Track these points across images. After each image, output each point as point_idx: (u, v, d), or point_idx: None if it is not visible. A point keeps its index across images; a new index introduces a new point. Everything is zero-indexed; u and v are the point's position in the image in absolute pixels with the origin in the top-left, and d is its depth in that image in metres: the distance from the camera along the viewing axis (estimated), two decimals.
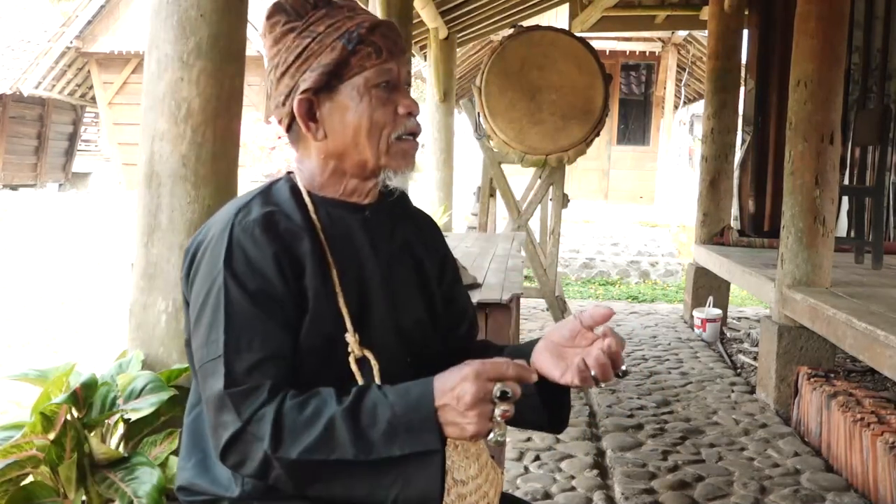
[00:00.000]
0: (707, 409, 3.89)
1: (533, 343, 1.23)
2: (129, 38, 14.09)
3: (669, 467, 3.10)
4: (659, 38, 12.94)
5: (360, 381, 1.17)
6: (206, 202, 2.07)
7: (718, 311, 5.70)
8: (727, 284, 5.87)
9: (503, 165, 4.95)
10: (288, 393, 1.09)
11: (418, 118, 1.26)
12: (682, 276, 8.93)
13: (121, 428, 1.91)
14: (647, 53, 13.50)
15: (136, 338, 2.12)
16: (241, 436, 1.07)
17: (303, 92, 1.19)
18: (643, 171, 13.95)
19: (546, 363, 1.18)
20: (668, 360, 4.93)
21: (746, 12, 6.24)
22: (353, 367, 1.17)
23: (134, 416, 1.84)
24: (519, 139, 4.53)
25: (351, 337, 1.17)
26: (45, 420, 1.66)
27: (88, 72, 15.11)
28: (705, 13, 6.79)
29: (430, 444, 1.03)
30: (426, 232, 1.39)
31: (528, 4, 7.97)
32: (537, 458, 3.17)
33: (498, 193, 5.11)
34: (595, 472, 3.05)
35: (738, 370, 4.77)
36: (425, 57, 8.20)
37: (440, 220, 7.30)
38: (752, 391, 4.20)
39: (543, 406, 1.25)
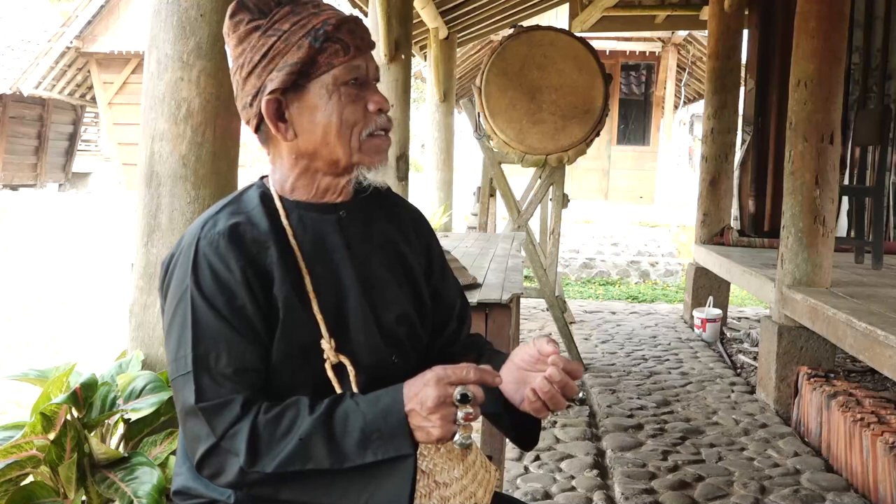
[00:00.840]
0: (707, 409, 3.89)
1: (505, 358, 1.25)
2: (129, 38, 14.10)
3: (669, 467, 3.10)
4: (659, 38, 12.94)
5: (338, 388, 1.17)
6: (206, 202, 2.07)
7: (718, 311, 5.71)
8: (727, 284, 5.88)
9: (503, 165, 4.95)
10: (262, 406, 1.09)
11: (389, 114, 1.24)
12: (682, 276, 8.93)
13: (121, 428, 1.91)
14: (647, 53, 13.50)
15: (136, 338, 2.12)
16: (215, 450, 1.08)
17: (270, 92, 1.17)
18: (643, 171, 13.94)
19: (508, 387, 1.20)
20: (668, 360, 4.93)
21: (746, 12, 6.24)
22: (330, 373, 1.17)
23: (134, 416, 1.84)
24: (519, 139, 4.53)
25: (326, 343, 1.17)
26: (45, 420, 1.66)
27: (88, 72, 15.11)
28: (705, 13, 6.79)
29: (403, 448, 1.05)
30: (409, 225, 1.37)
31: (528, 4, 7.97)
32: (537, 458, 3.17)
33: (498, 193, 5.11)
34: (595, 472, 3.05)
35: (738, 370, 4.77)
36: (425, 57, 8.20)
37: (440, 221, 7.30)
38: (752, 391, 4.20)
39: (511, 425, 1.27)
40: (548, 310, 5.39)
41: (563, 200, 4.97)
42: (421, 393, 1.05)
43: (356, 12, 4.87)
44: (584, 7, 7.38)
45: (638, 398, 4.02)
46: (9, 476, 1.60)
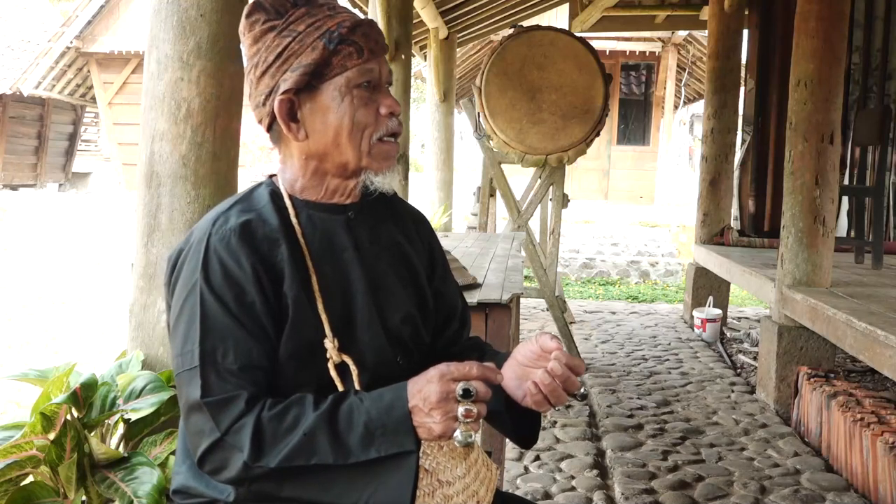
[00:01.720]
0: (707, 409, 3.89)
1: (506, 357, 1.25)
2: (129, 38, 14.09)
3: (669, 467, 3.10)
4: (659, 38, 12.94)
5: (340, 387, 1.17)
6: (205, 202, 2.07)
7: (718, 311, 5.71)
8: (727, 284, 5.88)
9: (503, 165, 4.94)
10: (266, 402, 1.09)
11: (399, 117, 1.25)
12: (682, 276, 8.93)
13: (121, 428, 1.91)
14: (647, 53, 13.50)
15: (136, 338, 2.12)
16: (219, 445, 1.08)
17: (283, 92, 1.18)
18: (643, 171, 13.95)
19: (510, 383, 1.21)
20: (668, 360, 4.93)
21: (746, 12, 6.24)
22: (333, 373, 1.17)
23: (134, 416, 1.84)
24: (519, 139, 4.53)
25: (329, 343, 1.17)
26: (45, 420, 1.66)
27: (88, 72, 15.10)
28: (705, 13, 6.80)
29: (406, 445, 1.05)
30: (414, 227, 1.39)
31: (528, 4, 7.97)
32: (537, 458, 3.17)
33: (498, 193, 5.11)
34: (595, 472, 3.05)
35: (738, 370, 4.77)
36: (425, 57, 8.20)
37: (440, 221, 7.30)
38: (752, 391, 4.20)
39: (511, 422, 1.27)
40: (548, 310, 5.39)
41: (563, 200, 4.97)
42: (424, 389, 1.05)
43: (356, 12, 4.88)
44: (584, 7, 7.37)
45: (638, 398, 4.02)
46: (9, 476, 1.60)
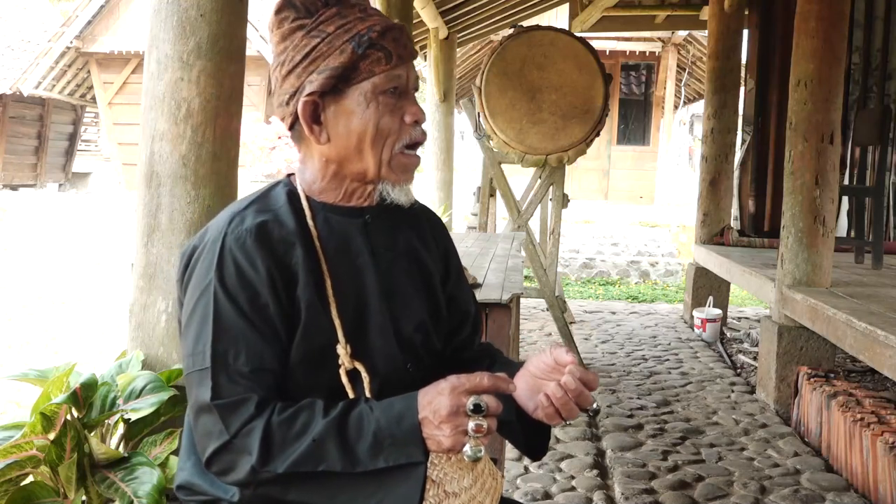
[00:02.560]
0: (707, 409, 3.89)
1: (518, 366, 1.23)
2: (129, 38, 14.09)
3: (669, 467, 3.10)
4: (659, 38, 12.94)
5: (351, 394, 1.16)
6: (205, 202, 2.07)
7: (718, 311, 5.71)
8: (727, 284, 5.88)
9: (503, 165, 4.94)
10: (276, 406, 1.09)
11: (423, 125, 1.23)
12: (682, 276, 8.93)
13: (121, 428, 1.91)
14: (647, 53, 13.50)
15: (136, 338, 2.12)
16: (227, 447, 1.07)
17: (308, 94, 1.16)
18: (643, 171, 13.94)
19: (522, 395, 1.19)
20: (668, 360, 4.93)
21: (746, 12, 6.24)
22: (344, 379, 1.16)
23: (134, 416, 1.84)
24: (519, 139, 4.52)
25: (342, 349, 1.16)
26: (45, 420, 1.66)
27: (88, 72, 15.11)
28: (705, 13, 6.79)
29: (414, 456, 1.04)
30: (431, 232, 1.37)
31: (528, 4, 7.96)
32: None
33: (498, 193, 5.11)
34: (595, 472, 3.05)
35: (738, 370, 4.77)
36: (425, 57, 8.20)
37: None
38: (752, 391, 4.20)
39: (522, 433, 1.25)
40: (548, 310, 5.39)
41: (563, 200, 4.97)
42: (435, 401, 1.04)
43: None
44: (584, 7, 7.37)
45: (638, 398, 4.02)
46: (9, 476, 1.60)
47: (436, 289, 1.32)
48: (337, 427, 1.06)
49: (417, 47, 7.85)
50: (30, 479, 1.68)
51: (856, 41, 5.57)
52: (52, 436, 1.64)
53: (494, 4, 7.57)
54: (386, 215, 1.28)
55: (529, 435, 1.26)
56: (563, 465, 3.11)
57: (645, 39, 12.93)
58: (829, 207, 3.78)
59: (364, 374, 1.17)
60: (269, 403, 1.09)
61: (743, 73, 6.39)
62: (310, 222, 1.20)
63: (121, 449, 1.87)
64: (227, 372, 1.09)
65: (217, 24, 2.05)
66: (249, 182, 10.17)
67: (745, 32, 6.28)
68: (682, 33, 12.20)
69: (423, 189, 8.12)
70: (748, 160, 6.16)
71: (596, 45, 6.51)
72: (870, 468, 2.84)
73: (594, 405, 1.14)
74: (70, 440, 1.65)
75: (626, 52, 13.38)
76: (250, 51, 12.21)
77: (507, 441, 1.35)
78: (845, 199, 5.47)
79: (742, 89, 6.34)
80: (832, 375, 3.58)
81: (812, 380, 3.52)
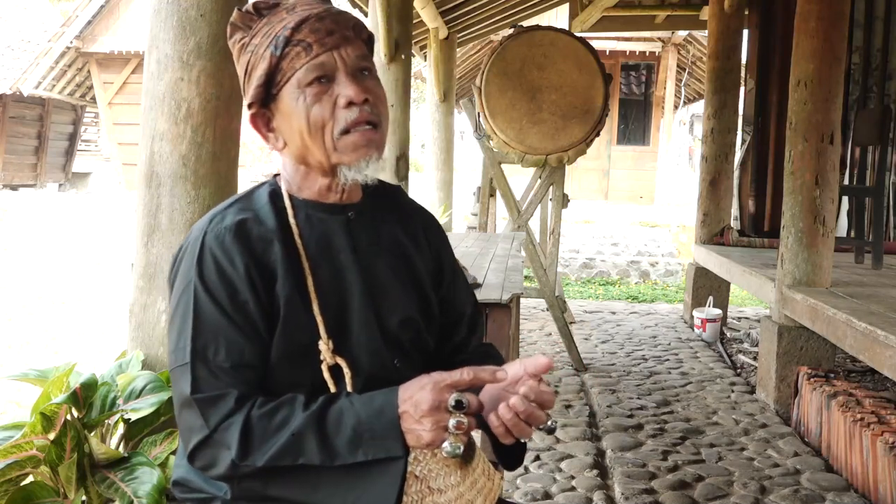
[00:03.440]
0: (707, 409, 3.89)
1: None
2: (129, 38, 14.10)
3: (669, 467, 3.10)
4: (659, 38, 12.94)
5: (333, 389, 1.16)
6: (206, 202, 2.07)
7: (718, 311, 5.71)
8: (727, 284, 5.88)
9: (503, 165, 4.94)
10: (257, 401, 1.09)
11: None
12: (682, 276, 8.93)
13: (121, 428, 1.91)
14: (647, 53, 13.49)
15: (136, 338, 2.12)
16: (208, 442, 1.08)
17: (249, 107, 1.20)
18: (643, 171, 13.94)
19: (487, 405, 1.15)
20: (668, 360, 4.93)
21: (746, 12, 6.24)
22: (326, 374, 1.16)
23: (134, 416, 1.84)
24: (519, 139, 4.53)
25: (323, 345, 1.16)
26: (45, 420, 1.66)
27: (88, 72, 15.11)
28: (705, 13, 6.79)
29: (393, 450, 1.04)
30: (423, 231, 1.36)
31: (528, 4, 7.96)
32: (537, 458, 3.17)
33: (498, 193, 5.11)
34: (595, 472, 3.05)
35: (738, 370, 4.77)
36: (425, 57, 8.20)
37: (440, 221, 7.29)
38: (752, 391, 4.20)
39: (491, 444, 1.23)
40: (548, 310, 5.39)
41: (563, 200, 4.97)
42: (416, 396, 1.04)
43: (356, 12, 4.87)
44: (584, 7, 7.38)
45: (638, 398, 4.02)
46: (9, 476, 1.60)
47: (424, 284, 1.31)
48: (316, 420, 1.06)
49: (417, 47, 7.85)
50: (30, 479, 1.68)
51: (856, 41, 5.57)
52: (52, 436, 1.64)
53: (494, 4, 7.57)
54: (371, 211, 1.28)
55: (498, 445, 1.23)
56: (563, 465, 3.11)
57: (645, 39, 12.93)
58: (829, 207, 3.78)
59: (346, 370, 1.17)
60: (249, 398, 1.09)
61: (743, 73, 6.39)
62: (291, 220, 1.21)
63: (121, 449, 1.87)
64: (208, 367, 1.10)
65: (217, 24, 2.05)
66: (249, 182, 10.17)
67: (745, 32, 6.28)
68: (682, 33, 12.20)
69: (423, 189, 8.13)
70: (748, 160, 6.16)
71: (596, 45, 6.52)
72: (870, 468, 2.84)
73: (549, 423, 1.11)
74: (70, 440, 1.65)
75: (626, 52, 13.38)
76: None
77: None
78: (845, 199, 5.47)
79: (742, 89, 6.34)
80: (832, 375, 3.58)
81: (812, 380, 3.52)
